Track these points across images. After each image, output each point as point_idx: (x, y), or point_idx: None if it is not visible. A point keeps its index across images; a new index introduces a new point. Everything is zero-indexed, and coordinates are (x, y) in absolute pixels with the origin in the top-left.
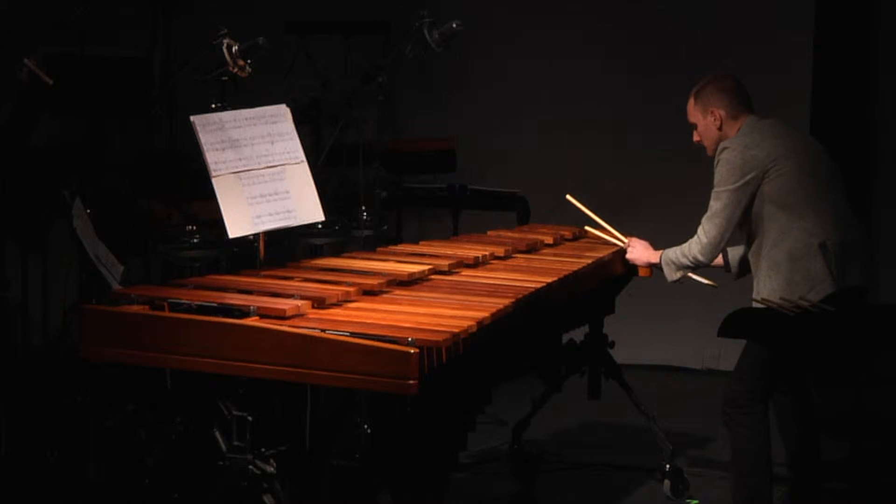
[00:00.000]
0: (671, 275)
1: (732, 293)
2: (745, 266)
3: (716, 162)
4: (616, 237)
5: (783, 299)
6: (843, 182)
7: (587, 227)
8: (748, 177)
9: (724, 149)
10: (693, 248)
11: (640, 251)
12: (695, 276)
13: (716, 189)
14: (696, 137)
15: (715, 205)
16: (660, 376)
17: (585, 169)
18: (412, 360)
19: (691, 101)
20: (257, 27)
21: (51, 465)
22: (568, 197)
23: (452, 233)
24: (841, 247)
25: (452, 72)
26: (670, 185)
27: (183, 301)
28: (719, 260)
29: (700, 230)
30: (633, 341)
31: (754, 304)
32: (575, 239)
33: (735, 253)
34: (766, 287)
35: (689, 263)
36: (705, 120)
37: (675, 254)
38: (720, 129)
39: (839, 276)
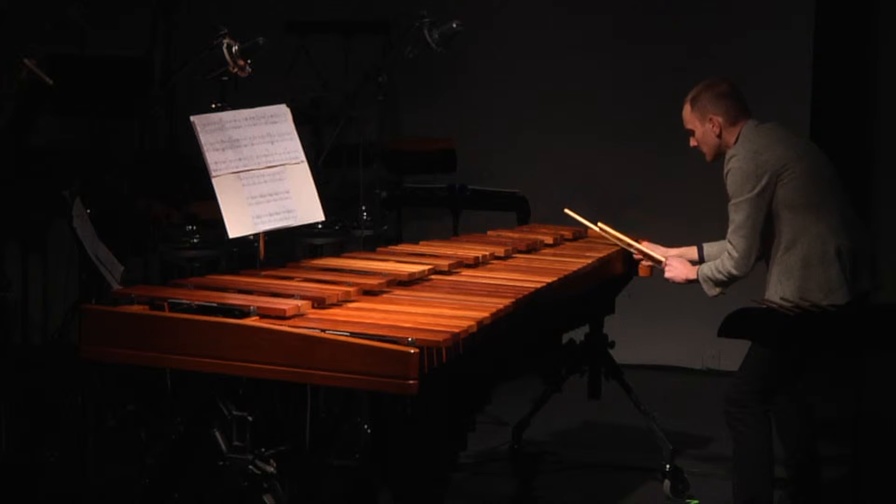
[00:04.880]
0: (710, 290)
1: (732, 293)
2: None
3: (725, 172)
4: (626, 242)
5: (783, 299)
6: (844, 185)
7: (600, 224)
8: (763, 181)
9: (733, 157)
10: (726, 264)
11: (678, 269)
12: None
13: (734, 201)
14: (692, 143)
15: (737, 217)
16: (660, 376)
17: (585, 169)
18: (412, 360)
19: (687, 108)
20: (257, 27)
21: (51, 465)
22: (566, 210)
23: (452, 233)
24: (853, 252)
25: (452, 72)
26: (671, 185)
27: (183, 301)
28: (694, 254)
29: (728, 246)
30: (633, 341)
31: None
32: (575, 239)
33: (711, 248)
34: (777, 293)
35: (724, 279)
36: (703, 127)
37: (711, 270)
38: (719, 135)
39: (853, 283)
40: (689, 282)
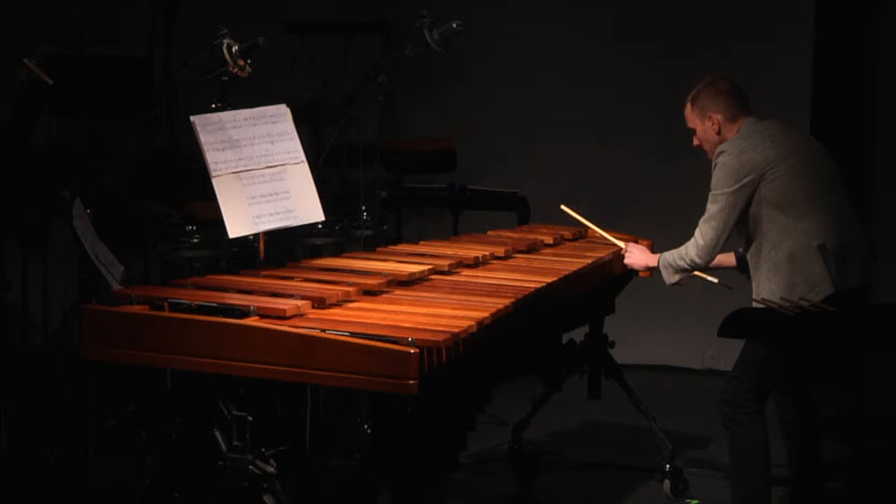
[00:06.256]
0: (669, 278)
1: (732, 293)
2: None
3: (713, 165)
4: (613, 242)
5: (783, 299)
6: (844, 182)
7: (562, 206)
8: (745, 180)
9: (721, 152)
10: (690, 250)
11: (637, 255)
12: (707, 277)
13: (713, 192)
14: (695, 142)
15: (712, 207)
16: (660, 376)
17: (585, 169)
18: (412, 360)
19: (688, 107)
20: (257, 27)
21: (51, 465)
22: (563, 207)
23: (452, 233)
24: (840, 248)
25: (452, 72)
26: (671, 185)
27: (183, 301)
28: (732, 260)
29: (697, 233)
30: (633, 341)
31: (754, 304)
32: (575, 239)
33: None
34: (767, 289)
35: (686, 266)
36: (703, 125)
37: (673, 257)
38: (719, 133)
39: (838, 278)
40: (649, 269)
